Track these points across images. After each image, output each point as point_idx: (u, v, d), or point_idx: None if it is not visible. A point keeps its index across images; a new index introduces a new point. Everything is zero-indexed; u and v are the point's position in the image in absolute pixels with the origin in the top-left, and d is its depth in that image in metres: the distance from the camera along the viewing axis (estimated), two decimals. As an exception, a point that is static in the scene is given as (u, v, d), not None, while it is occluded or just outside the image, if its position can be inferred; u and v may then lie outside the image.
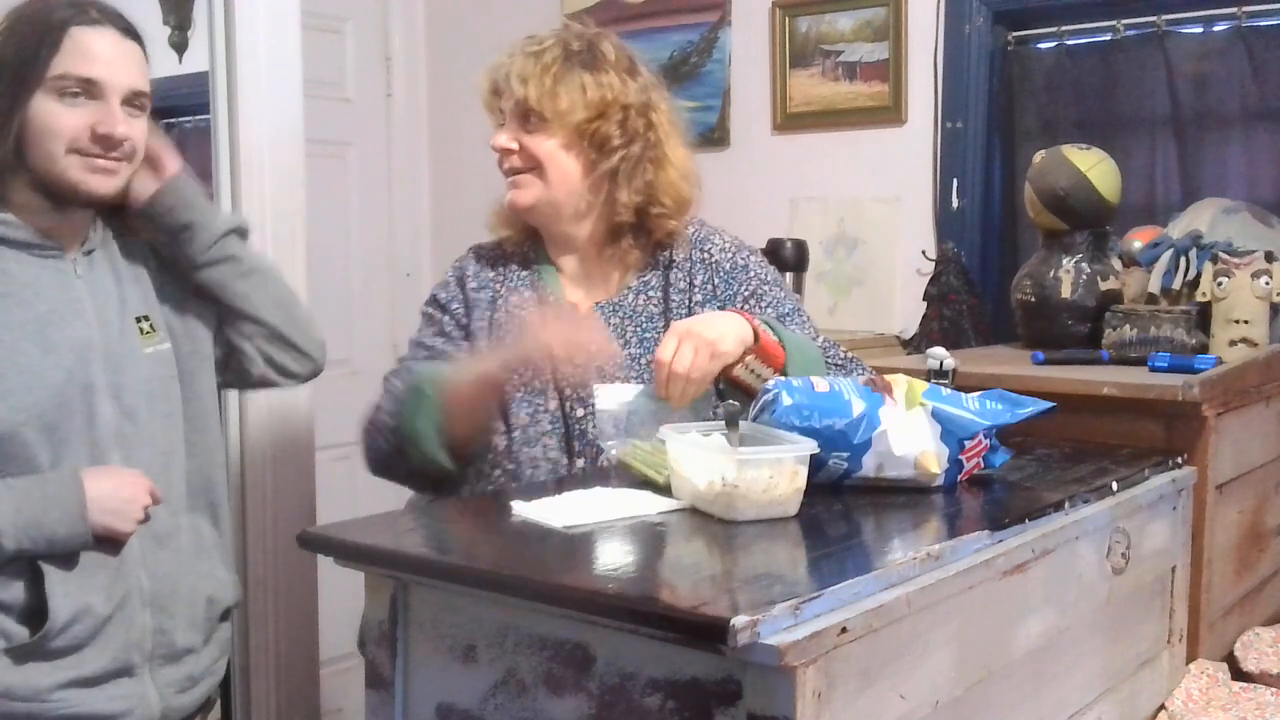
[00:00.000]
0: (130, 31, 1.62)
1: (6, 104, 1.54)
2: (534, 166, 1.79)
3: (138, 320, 1.69)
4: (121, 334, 1.66)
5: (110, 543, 1.58)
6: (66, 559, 1.54)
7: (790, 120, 3.16)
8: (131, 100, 1.60)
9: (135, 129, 1.60)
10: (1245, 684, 1.77)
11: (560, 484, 1.58)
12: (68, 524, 1.52)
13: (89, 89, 1.55)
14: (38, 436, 1.54)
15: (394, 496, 1.94)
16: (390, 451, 1.76)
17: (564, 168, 1.79)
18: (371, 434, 1.79)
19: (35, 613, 1.53)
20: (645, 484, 1.49)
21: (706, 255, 1.85)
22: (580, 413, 1.74)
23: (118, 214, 1.71)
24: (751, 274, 1.85)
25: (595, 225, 1.83)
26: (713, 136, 3.24)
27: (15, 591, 1.52)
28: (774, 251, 2.77)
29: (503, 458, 1.74)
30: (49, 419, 1.55)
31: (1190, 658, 1.79)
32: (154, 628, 1.63)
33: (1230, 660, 1.85)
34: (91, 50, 1.56)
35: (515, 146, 1.79)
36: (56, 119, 1.54)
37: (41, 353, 1.55)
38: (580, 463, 1.72)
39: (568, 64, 1.78)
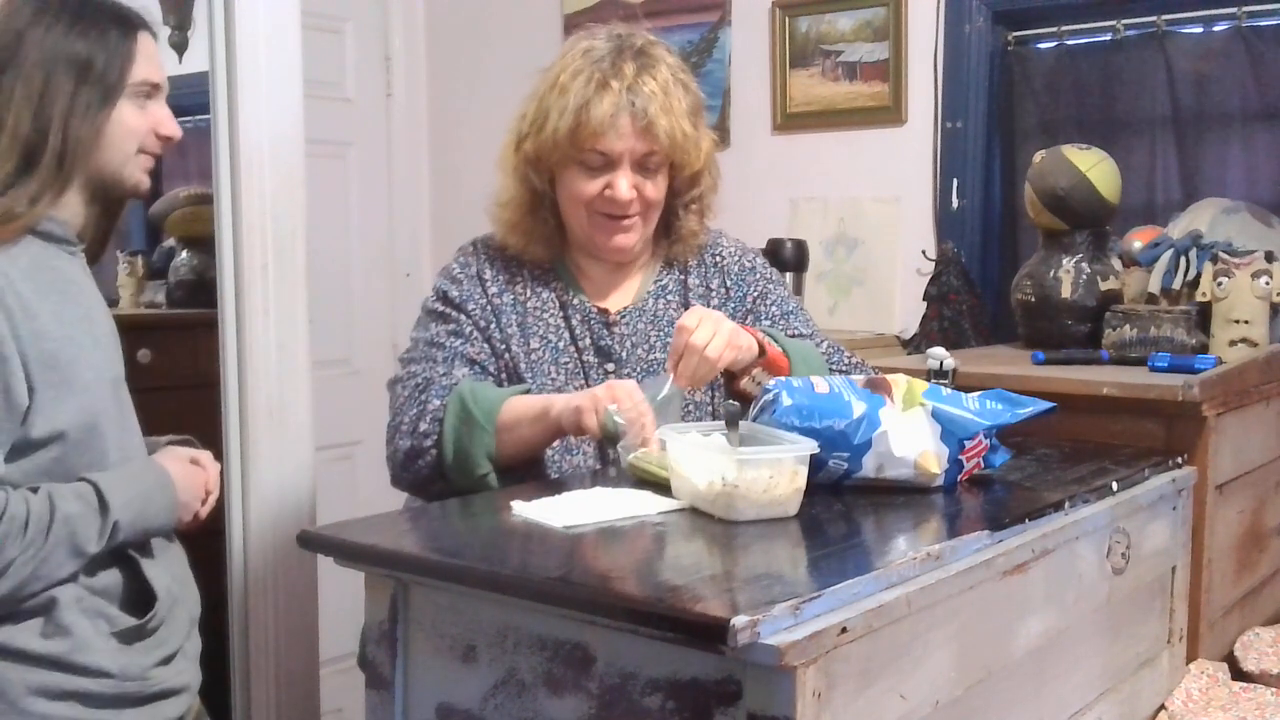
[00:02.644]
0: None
1: (97, 108, 1.56)
2: (645, 210, 1.77)
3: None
4: (118, 333, 1.69)
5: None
6: (144, 547, 1.59)
7: (790, 120, 3.16)
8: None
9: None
10: (1245, 684, 1.77)
11: (560, 484, 1.58)
12: (164, 515, 1.59)
13: (154, 92, 1.63)
14: (108, 428, 1.58)
15: (394, 497, 1.94)
16: (430, 475, 1.71)
17: (662, 204, 1.80)
18: (410, 456, 1.72)
19: (136, 598, 1.57)
20: (645, 484, 1.49)
21: (719, 259, 1.88)
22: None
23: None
24: (758, 274, 1.89)
25: (644, 243, 1.85)
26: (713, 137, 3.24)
27: (113, 578, 1.55)
28: (774, 251, 2.77)
29: (545, 466, 1.72)
30: (111, 412, 1.59)
31: (1190, 658, 1.79)
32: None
33: (1230, 660, 1.85)
34: (154, 55, 1.64)
35: (635, 194, 1.75)
36: (135, 121, 1.60)
37: (94, 347, 1.59)
38: (613, 472, 1.71)
39: (690, 113, 1.76)
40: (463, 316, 1.78)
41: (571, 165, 1.74)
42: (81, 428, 1.52)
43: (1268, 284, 2.04)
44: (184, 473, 1.63)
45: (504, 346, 1.77)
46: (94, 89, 1.56)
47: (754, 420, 1.48)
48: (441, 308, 1.81)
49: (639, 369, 1.77)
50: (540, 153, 1.76)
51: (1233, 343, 2.04)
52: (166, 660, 1.59)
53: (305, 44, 2.30)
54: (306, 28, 2.32)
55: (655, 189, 1.75)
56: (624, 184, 1.72)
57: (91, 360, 1.56)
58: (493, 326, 1.78)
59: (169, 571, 1.62)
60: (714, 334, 1.57)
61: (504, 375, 1.77)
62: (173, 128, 1.64)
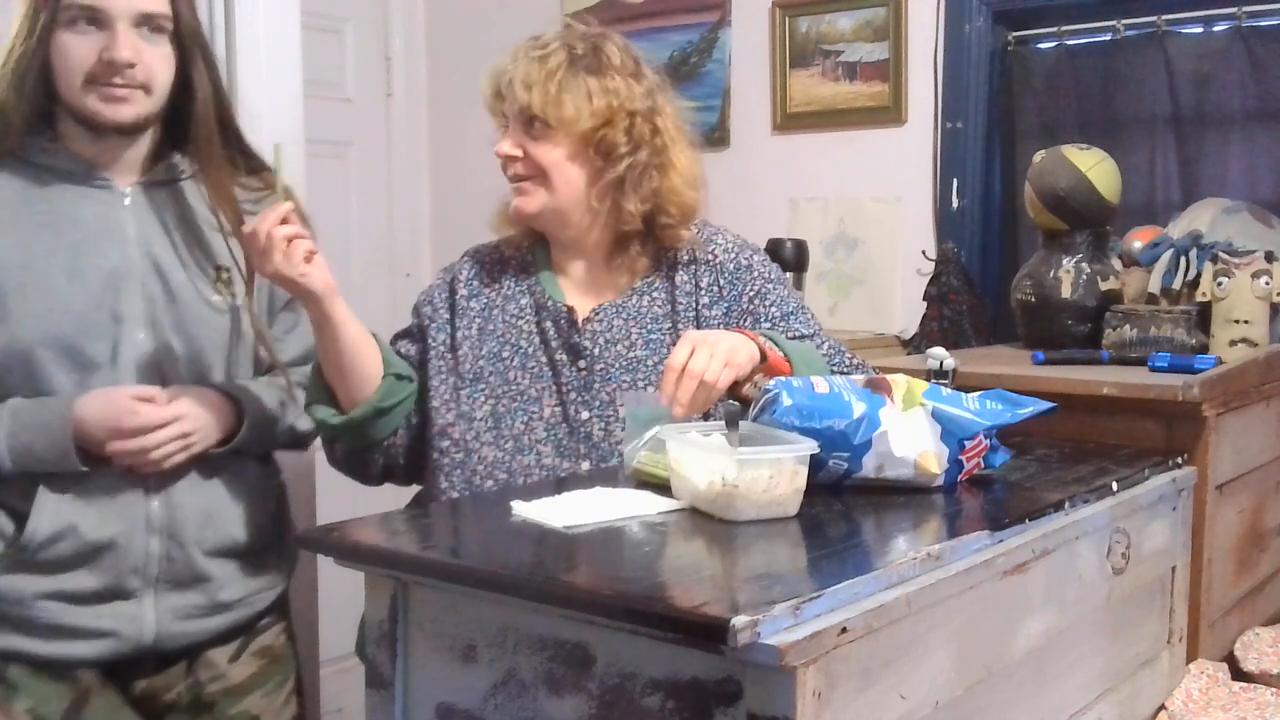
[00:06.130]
0: None
1: (36, 42, 1.59)
2: (538, 174, 1.76)
3: (217, 268, 1.74)
4: (178, 270, 1.70)
5: (114, 468, 1.63)
6: (66, 480, 1.61)
7: (790, 120, 3.16)
8: (144, 23, 1.62)
9: (149, 55, 1.62)
10: (1245, 684, 1.77)
11: (561, 484, 1.58)
12: (55, 452, 1.59)
13: (93, 16, 1.59)
14: (57, 358, 1.61)
15: (394, 497, 1.94)
16: (329, 447, 1.85)
17: (569, 176, 1.76)
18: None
19: (22, 524, 1.61)
20: (645, 485, 1.49)
21: (711, 256, 1.83)
22: (585, 415, 1.73)
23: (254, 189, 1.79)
24: (755, 273, 1.84)
25: (602, 233, 1.81)
26: (713, 136, 3.24)
27: (14, 500, 1.61)
28: (774, 251, 2.77)
29: (495, 468, 1.73)
30: (69, 343, 1.61)
31: (1190, 658, 1.79)
32: (162, 554, 1.68)
33: (1230, 660, 1.85)
34: None
35: (519, 154, 1.76)
36: (70, 50, 1.59)
37: (67, 279, 1.61)
38: (585, 466, 1.71)
39: (572, 69, 1.75)
40: (414, 320, 1.89)
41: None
42: (10, 354, 1.58)
43: (1268, 284, 2.04)
44: (100, 412, 1.60)
45: (448, 345, 1.82)
46: (31, 19, 1.58)
47: (754, 420, 1.48)
48: (408, 321, 1.91)
49: (616, 365, 1.76)
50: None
51: (1233, 343, 2.04)
52: (71, 599, 1.61)
53: (305, 44, 2.30)
54: (306, 28, 2.32)
55: (544, 154, 1.76)
56: (506, 143, 1.79)
57: (54, 291, 1.59)
58: (432, 324, 1.84)
59: (88, 509, 1.62)
60: (710, 357, 1.54)
61: (444, 372, 1.80)
62: (112, 50, 1.58)
